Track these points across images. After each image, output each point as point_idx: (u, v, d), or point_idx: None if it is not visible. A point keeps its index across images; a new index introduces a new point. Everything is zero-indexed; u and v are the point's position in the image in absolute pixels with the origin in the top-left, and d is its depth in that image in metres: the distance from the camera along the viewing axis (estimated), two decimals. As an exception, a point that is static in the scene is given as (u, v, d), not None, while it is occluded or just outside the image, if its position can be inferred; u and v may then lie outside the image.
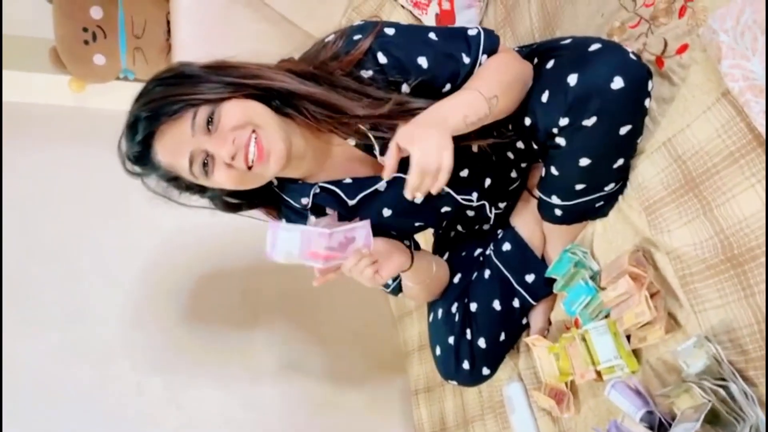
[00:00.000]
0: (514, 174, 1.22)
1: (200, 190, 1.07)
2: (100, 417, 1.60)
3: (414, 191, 0.92)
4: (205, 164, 0.97)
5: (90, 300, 1.72)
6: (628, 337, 1.06)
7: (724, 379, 0.86)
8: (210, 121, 0.95)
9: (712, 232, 0.91)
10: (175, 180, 1.02)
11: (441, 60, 1.01)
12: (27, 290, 1.65)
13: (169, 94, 0.95)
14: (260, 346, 1.82)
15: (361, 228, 1.07)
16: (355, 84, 1.00)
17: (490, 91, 0.94)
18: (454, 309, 1.29)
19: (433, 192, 0.93)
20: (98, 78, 1.97)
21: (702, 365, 0.89)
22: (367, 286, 1.10)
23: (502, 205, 1.27)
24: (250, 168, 0.97)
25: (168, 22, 1.94)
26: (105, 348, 1.68)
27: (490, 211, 1.24)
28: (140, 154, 0.98)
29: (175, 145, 0.96)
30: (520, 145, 1.12)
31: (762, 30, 0.82)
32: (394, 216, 1.17)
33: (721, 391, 0.84)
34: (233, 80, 0.98)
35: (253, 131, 0.96)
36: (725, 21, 0.85)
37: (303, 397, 1.80)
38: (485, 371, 1.29)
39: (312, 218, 1.12)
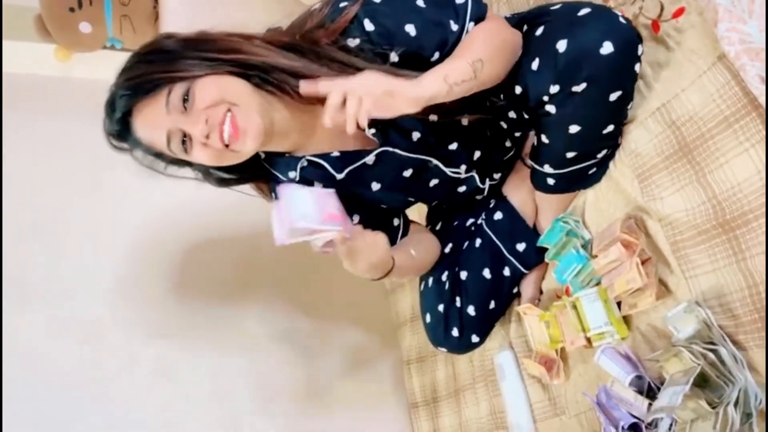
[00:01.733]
0: (508, 144, 1.21)
1: (186, 164, 1.05)
2: (91, 391, 1.59)
3: (330, 111, 0.87)
4: (183, 142, 0.96)
5: (78, 274, 1.70)
6: (619, 305, 1.06)
7: (713, 343, 0.87)
8: (186, 99, 0.93)
9: (705, 197, 0.91)
10: (159, 155, 1.02)
11: (429, 27, 0.98)
12: (14, 265, 1.63)
13: (147, 71, 0.94)
14: (252, 318, 1.81)
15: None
16: (341, 54, 0.97)
17: (474, 55, 0.92)
18: (444, 277, 1.29)
19: (349, 126, 0.87)
20: (84, 47, 1.92)
21: (692, 330, 0.90)
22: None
23: (497, 176, 1.26)
24: (227, 146, 0.95)
25: (155, -11, 1.90)
26: (96, 322, 1.66)
27: (483, 182, 1.23)
28: (120, 131, 0.99)
29: (152, 123, 0.96)
30: (512, 114, 1.11)
31: (759, -9, 0.81)
32: (382, 190, 1.16)
33: (711, 355, 0.85)
34: (211, 56, 0.95)
35: (229, 109, 0.93)
36: (722, -18, 0.84)
37: (296, 369, 1.80)
38: (474, 339, 1.29)
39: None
